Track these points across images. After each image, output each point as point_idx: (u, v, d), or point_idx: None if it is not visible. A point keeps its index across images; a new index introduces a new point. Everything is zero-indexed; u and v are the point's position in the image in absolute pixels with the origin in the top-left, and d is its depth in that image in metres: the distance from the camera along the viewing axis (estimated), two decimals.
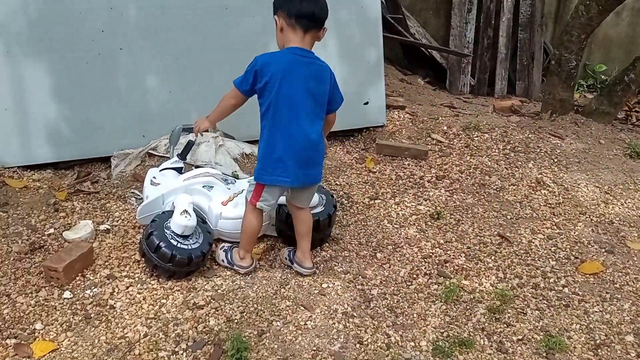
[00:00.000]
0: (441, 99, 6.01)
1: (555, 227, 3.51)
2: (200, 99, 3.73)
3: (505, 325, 2.67)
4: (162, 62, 3.80)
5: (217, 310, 2.56)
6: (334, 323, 2.58)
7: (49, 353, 2.28)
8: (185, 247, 2.69)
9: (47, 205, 3.25)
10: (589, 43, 7.08)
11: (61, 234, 3.01)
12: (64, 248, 2.86)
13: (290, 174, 2.62)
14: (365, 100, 4.52)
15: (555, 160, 4.38)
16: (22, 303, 2.53)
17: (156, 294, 2.64)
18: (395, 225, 3.41)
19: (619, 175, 4.27)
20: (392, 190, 3.81)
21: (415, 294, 2.83)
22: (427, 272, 3.01)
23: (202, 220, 2.90)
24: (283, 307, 2.64)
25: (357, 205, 3.59)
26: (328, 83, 2.67)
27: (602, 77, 8.00)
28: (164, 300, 2.60)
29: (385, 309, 2.71)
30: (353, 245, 3.20)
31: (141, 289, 2.66)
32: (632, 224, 3.62)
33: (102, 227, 3.10)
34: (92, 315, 2.49)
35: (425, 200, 3.70)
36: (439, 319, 2.67)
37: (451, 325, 2.64)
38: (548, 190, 3.93)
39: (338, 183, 3.84)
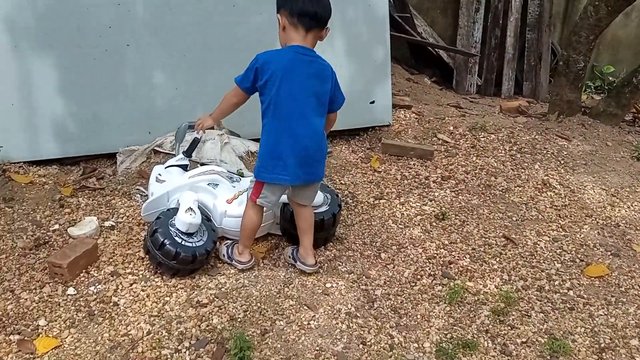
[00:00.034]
0: (448, 99, 5.99)
1: (560, 230, 3.50)
2: (206, 96, 3.73)
3: (509, 328, 2.66)
4: (169, 59, 3.79)
5: (221, 309, 2.56)
6: (337, 323, 2.57)
7: (52, 350, 2.28)
8: (190, 244, 2.69)
9: (53, 201, 3.25)
10: (597, 44, 7.04)
11: (66, 230, 3.01)
12: (68, 244, 2.86)
13: (290, 173, 2.61)
14: (371, 99, 4.51)
15: (562, 162, 4.36)
16: (26, 299, 2.53)
17: (160, 292, 2.64)
18: (400, 226, 3.41)
19: (625, 177, 4.24)
20: (397, 190, 3.80)
21: (419, 295, 2.82)
22: (432, 273, 3.00)
23: (206, 218, 2.90)
24: (286, 306, 2.64)
25: (362, 205, 3.58)
26: (329, 82, 2.66)
27: (610, 78, 7.95)
28: (167, 298, 2.60)
29: (389, 309, 2.70)
30: (357, 245, 3.19)
31: (145, 287, 2.66)
32: (638, 227, 3.60)
33: (107, 223, 3.10)
34: (95, 312, 2.49)
35: (431, 201, 3.69)
36: (443, 321, 2.66)
37: (455, 327, 2.63)
38: (554, 192, 3.92)
39: (343, 182, 3.83)
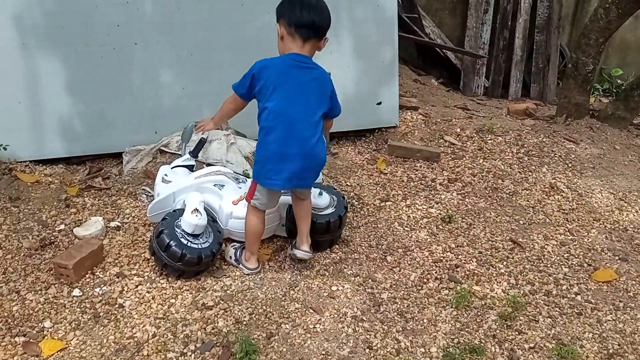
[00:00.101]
0: (455, 101, 5.97)
1: (568, 234, 3.48)
2: (213, 96, 3.68)
3: (516, 333, 2.64)
4: (176, 58, 3.79)
5: (226, 312, 2.55)
6: (343, 327, 2.56)
7: (57, 352, 2.28)
8: (196, 246, 2.68)
9: (58, 200, 3.24)
10: (606, 47, 6.99)
11: (72, 230, 3.00)
12: (74, 245, 2.86)
13: (281, 178, 2.61)
14: (378, 100, 4.49)
15: (570, 165, 4.33)
16: (32, 300, 2.52)
17: (165, 294, 2.63)
18: (406, 228, 3.39)
19: (634, 181, 4.21)
20: (403, 192, 3.78)
21: (426, 299, 2.81)
22: (438, 276, 2.98)
23: (212, 219, 2.89)
24: (292, 309, 2.62)
25: (368, 207, 3.56)
26: (326, 89, 2.67)
27: (618, 81, 7.92)
28: (172, 300, 2.59)
29: (395, 313, 2.69)
30: (363, 247, 3.17)
31: (150, 288, 2.66)
32: None
33: (112, 224, 3.10)
34: (101, 314, 2.48)
35: (437, 203, 3.67)
36: (450, 325, 2.65)
37: (462, 332, 2.61)
38: (562, 195, 3.89)
39: (349, 184, 3.82)
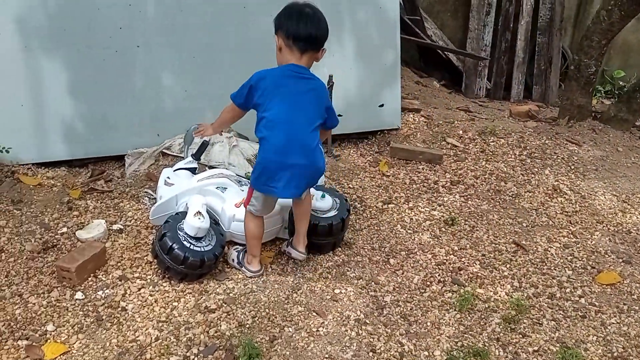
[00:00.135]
0: (457, 103, 5.97)
1: (571, 236, 3.47)
2: (215, 98, 3.69)
3: (520, 336, 2.63)
4: (178, 60, 3.78)
5: (229, 315, 2.54)
6: (347, 330, 2.55)
7: (60, 355, 2.27)
8: (198, 249, 2.68)
9: (61, 203, 3.24)
10: (608, 48, 6.99)
11: (74, 233, 2.99)
12: (76, 248, 2.85)
13: (278, 186, 2.61)
14: (380, 103, 4.48)
15: (572, 167, 4.32)
16: (34, 303, 2.51)
17: (168, 297, 2.62)
18: (409, 231, 3.38)
19: (637, 183, 4.20)
20: (405, 194, 3.77)
21: (429, 302, 2.80)
22: (441, 279, 2.97)
23: (215, 222, 2.88)
24: (295, 312, 2.61)
25: (370, 210, 3.56)
26: (323, 100, 2.68)
27: (621, 83, 7.91)
28: (175, 303, 2.59)
29: (399, 316, 2.68)
30: (366, 250, 3.17)
31: (153, 291, 2.65)
32: None
33: (115, 226, 3.09)
34: (103, 317, 2.48)
35: (440, 206, 3.66)
36: (453, 328, 2.64)
37: (465, 335, 2.60)
38: (565, 197, 3.88)
39: (351, 186, 3.81)
